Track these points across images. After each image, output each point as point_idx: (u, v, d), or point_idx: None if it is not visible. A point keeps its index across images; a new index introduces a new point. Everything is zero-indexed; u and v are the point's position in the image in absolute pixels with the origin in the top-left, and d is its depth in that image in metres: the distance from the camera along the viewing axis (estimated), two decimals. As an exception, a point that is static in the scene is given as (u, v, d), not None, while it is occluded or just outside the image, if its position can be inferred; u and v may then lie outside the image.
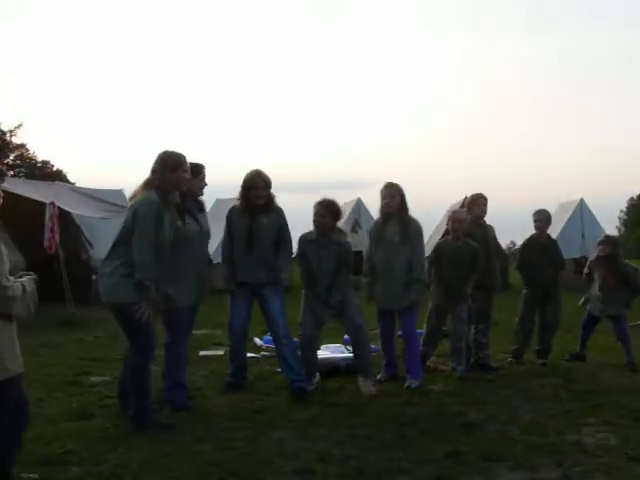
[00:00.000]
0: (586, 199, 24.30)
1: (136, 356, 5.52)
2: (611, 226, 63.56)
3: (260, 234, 6.73)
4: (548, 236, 8.77)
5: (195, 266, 6.22)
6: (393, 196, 7.32)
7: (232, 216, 6.90)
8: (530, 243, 8.73)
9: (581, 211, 23.76)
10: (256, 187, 6.70)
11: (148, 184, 5.57)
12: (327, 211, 6.89)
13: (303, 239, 7.10)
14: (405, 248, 7.24)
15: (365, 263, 7.67)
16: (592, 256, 8.91)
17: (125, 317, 5.45)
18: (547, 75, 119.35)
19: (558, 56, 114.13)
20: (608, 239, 8.94)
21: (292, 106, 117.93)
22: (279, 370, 7.11)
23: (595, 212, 24.12)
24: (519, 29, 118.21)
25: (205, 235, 6.39)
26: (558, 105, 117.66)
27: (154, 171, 5.59)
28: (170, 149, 5.71)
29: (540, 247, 8.58)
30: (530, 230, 8.76)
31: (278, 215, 6.86)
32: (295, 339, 7.03)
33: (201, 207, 6.48)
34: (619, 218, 78.72)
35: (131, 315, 5.34)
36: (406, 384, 7.10)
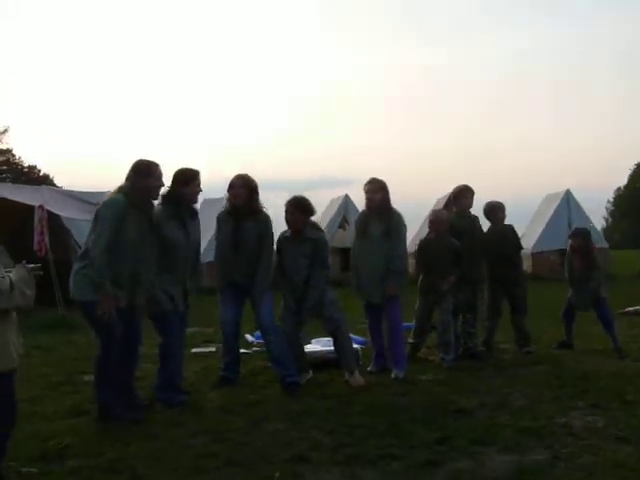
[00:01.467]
0: (572, 190, 24.47)
1: (99, 349, 5.70)
2: (598, 216, 64.01)
3: (244, 238, 6.81)
4: (505, 225, 8.80)
5: (179, 273, 6.28)
6: (375, 191, 7.43)
7: (220, 220, 7.01)
8: (492, 232, 8.69)
9: (567, 202, 23.89)
10: (232, 186, 6.83)
11: (119, 189, 5.76)
12: (295, 208, 6.99)
13: (280, 236, 7.24)
14: (387, 242, 7.35)
15: (351, 257, 7.80)
16: (568, 250, 9.03)
17: (86, 313, 5.68)
18: (533, 64, 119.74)
19: (539, 43, 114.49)
20: (578, 232, 9.09)
21: (280, 107, 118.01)
22: (270, 365, 7.18)
23: (582, 203, 24.30)
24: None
25: (192, 244, 6.41)
26: (544, 96, 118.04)
27: (127, 178, 5.78)
28: (146, 158, 5.88)
29: (498, 235, 8.61)
30: (513, 221, 8.91)
31: (263, 222, 6.90)
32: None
33: (194, 214, 6.49)
34: (606, 208, 79.08)
35: (91, 312, 5.56)
36: (392, 375, 7.21)
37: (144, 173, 5.76)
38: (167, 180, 6.14)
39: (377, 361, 7.61)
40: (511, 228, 8.89)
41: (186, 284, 6.36)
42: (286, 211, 7.03)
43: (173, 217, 6.20)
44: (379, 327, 7.64)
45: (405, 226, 7.63)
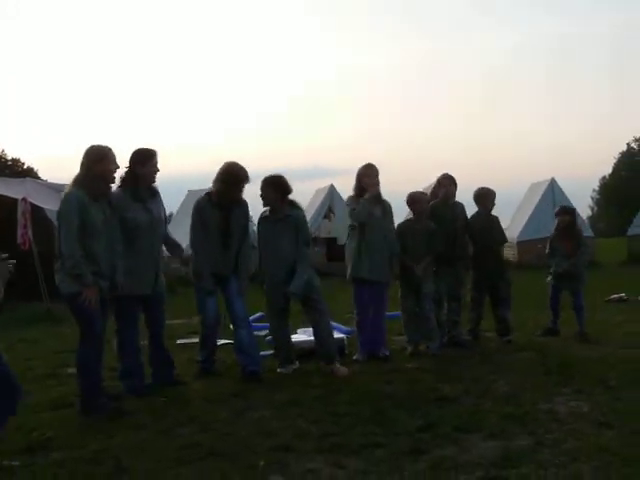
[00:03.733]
0: (557, 179, 24.52)
1: (81, 342, 5.73)
2: (583, 205, 64.28)
3: (235, 225, 6.81)
4: (491, 215, 8.69)
5: (146, 255, 6.27)
6: (377, 176, 7.58)
7: (205, 210, 6.82)
8: (475, 220, 8.65)
9: (552, 191, 23.96)
10: (245, 180, 6.77)
11: (75, 180, 5.73)
12: (266, 185, 6.96)
13: (259, 217, 7.23)
14: (386, 224, 7.62)
15: (354, 241, 7.67)
16: (552, 231, 9.02)
17: (70, 306, 5.70)
18: (517, 56, 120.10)
19: (525, 38, 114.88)
20: (565, 209, 9.05)
21: (266, 98, 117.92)
22: (235, 353, 7.14)
23: (567, 192, 24.35)
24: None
25: (157, 223, 6.38)
26: (529, 88, 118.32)
27: (81, 165, 5.75)
28: (97, 143, 5.84)
29: (481, 223, 8.56)
30: (498, 210, 8.90)
31: (246, 207, 6.99)
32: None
33: (154, 193, 6.45)
34: (592, 198, 79.22)
35: (75, 304, 5.59)
36: (381, 354, 7.46)
37: (97, 159, 5.73)
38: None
39: (364, 348, 7.60)
40: (496, 219, 8.81)
41: (156, 266, 6.35)
42: (260, 189, 6.99)
43: (134, 199, 6.17)
44: (369, 313, 7.68)
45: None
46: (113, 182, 5.96)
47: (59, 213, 5.69)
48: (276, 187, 6.95)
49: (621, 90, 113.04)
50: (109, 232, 5.79)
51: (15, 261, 4.34)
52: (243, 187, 6.79)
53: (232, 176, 6.71)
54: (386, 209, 7.63)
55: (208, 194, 6.84)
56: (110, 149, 5.85)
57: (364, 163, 7.67)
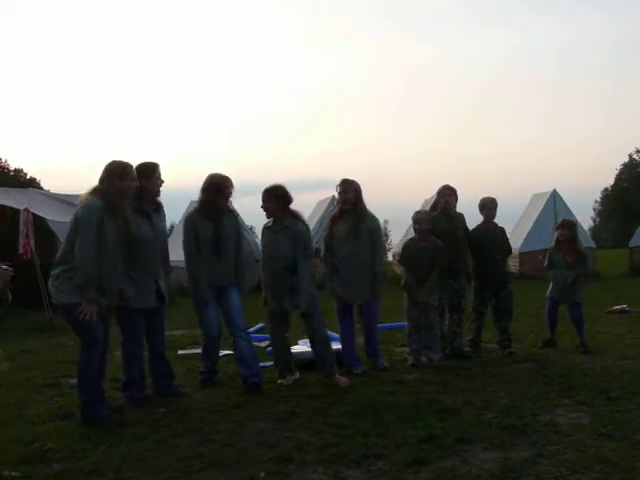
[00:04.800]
0: (559, 190, 24.53)
1: (81, 352, 5.72)
2: (585, 217, 64.30)
3: (225, 235, 6.80)
4: (495, 225, 8.71)
5: (149, 268, 6.30)
6: (346, 191, 7.51)
7: (195, 221, 6.82)
8: (476, 230, 8.65)
9: (554, 202, 23.96)
10: (225, 187, 6.78)
11: (95, 191, 5.73)
12: (268, 196, 6.99)
13: (263, 228, 7.27)
14: (357, 242, 7.46)
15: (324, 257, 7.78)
16: (551, 243, 9.03)
17: (69, 316, 5.67)
18: (520, 65, 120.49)
19: (526, 43, 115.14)
20: (566, 223, 9.06)
21: (269, 108, 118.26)
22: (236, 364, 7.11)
23: (568, 203, 24.35)
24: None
25: (160, 236, 6.44)
26: (530, 97, 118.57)
27: (102, 180, 5.75)
28: (118, 159, 5.86)
29: (488, 235, 8.55)
30: (500, 221, 8.90)
31: (236, 217, 7.03)
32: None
33: (158, 207, 6.50)
34: (594, 209, 79.20)
35: (74, 315, 5.55)
36: (379, 366, 7.47)
37: (119, 174, 5.74)
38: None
39: (355, 361, 7.57)
40: (502, 230, 8.80)
41: (158, 279, 6.37)
42: (262, 200, 7.02)
43: (138, 212, 6.20)
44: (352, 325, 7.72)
45: (380, 227, 7.88)
46: (131, 198, 5.96)
47: (78, 219, 5.59)
48: (277, 197, 6.98)
49: (624, 97, 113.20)
50: (116, 249, 5.79)
51: (12, 269, 4.30)
52: (227, 195, 6.80)
53: (213, 185, 6.75)
54: (362, 226, 7.48)
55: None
56: (131, 165, 5.89)
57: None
